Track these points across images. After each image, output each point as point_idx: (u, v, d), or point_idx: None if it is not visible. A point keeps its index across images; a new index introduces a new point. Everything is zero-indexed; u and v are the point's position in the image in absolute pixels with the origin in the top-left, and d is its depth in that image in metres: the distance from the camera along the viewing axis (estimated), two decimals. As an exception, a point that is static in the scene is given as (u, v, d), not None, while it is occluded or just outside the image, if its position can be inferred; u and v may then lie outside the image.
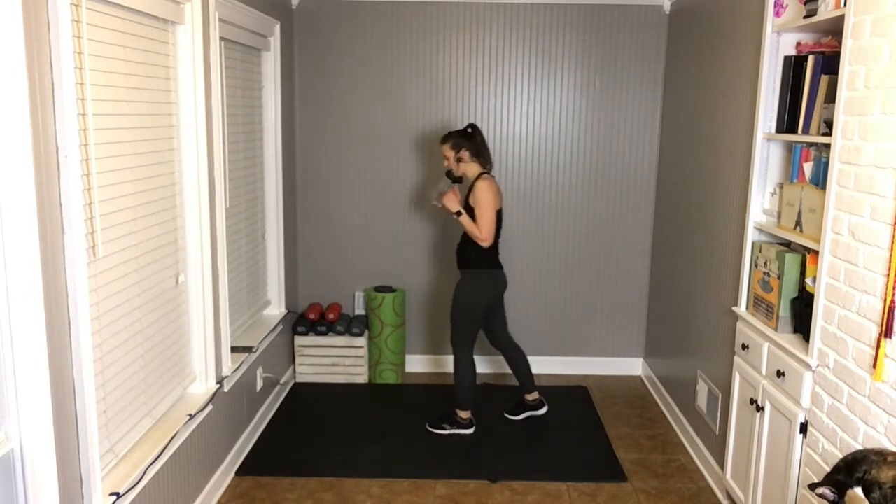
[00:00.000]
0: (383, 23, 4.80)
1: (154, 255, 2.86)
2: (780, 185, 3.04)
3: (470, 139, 4.02)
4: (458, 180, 4.11)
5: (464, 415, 4.21)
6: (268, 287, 4.54)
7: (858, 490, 1.88)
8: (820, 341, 2.57)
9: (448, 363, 5.16)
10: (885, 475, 1.82)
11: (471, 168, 4.03)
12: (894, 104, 2.17)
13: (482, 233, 3.92)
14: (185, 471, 3.08)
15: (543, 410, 4.41)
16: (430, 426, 4.23)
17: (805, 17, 2.72)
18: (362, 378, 4.93)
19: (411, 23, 4.80)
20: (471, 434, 4.20)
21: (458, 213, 3.95)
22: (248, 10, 3.78)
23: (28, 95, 1.90)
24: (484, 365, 5.17)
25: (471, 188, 4.00)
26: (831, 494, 1.91)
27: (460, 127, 4.58)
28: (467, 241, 4.06)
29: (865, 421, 2.28)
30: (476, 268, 4.07)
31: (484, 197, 3.91)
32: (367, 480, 3.66)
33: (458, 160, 4.02)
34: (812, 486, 1.96)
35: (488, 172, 4.05)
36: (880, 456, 1.88)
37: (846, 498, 1.91)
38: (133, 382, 2.71)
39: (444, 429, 4.21)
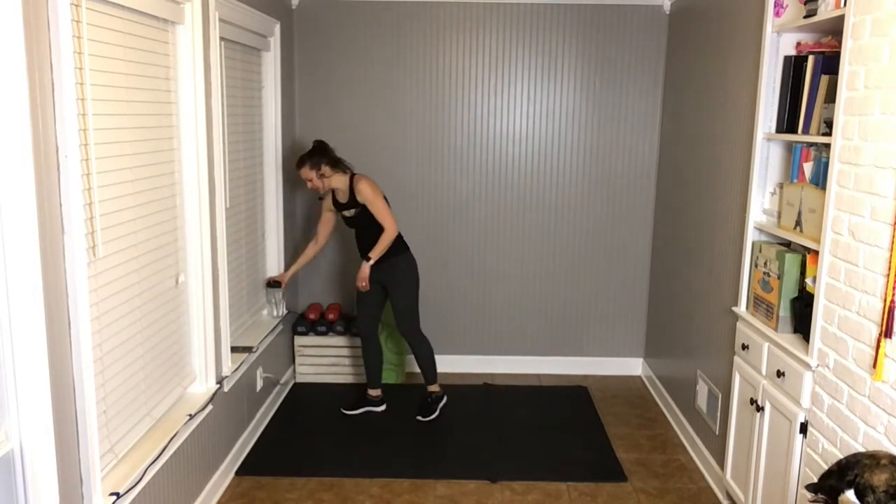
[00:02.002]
0: (383, 23, 4.80)
1: (154, 255, 2.86)
2: (780, 185, 3.04)
3: (324, 153, 4.09)
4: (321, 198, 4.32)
5: (436, 388, 4.41)
6: (268, 287, 4.54)
7: (850, 493, 1.88)
8: (820, 341, 2.57)
9: (447, 363, 5.15)
10: (878, 479, 1.81)
11: (336, 178, 4.11)
12: (894, 104, 2.17)
13: (387, 225, 4.07)
14: (185, 471, 3.08)
15: (381, 408, 4.50)
16: (423, 418, 4.31)
17: (805, 17, 2.72)
18: (362, 378, 4.93)
19: (411, 22, 4.80)
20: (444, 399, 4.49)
21: (368, 259, 4.12)
22: (248, 10, 3.78)
23: (28, 95, 1.90)
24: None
25: (352, 192, 4.10)
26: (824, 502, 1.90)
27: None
28: (374, 234, 4.13)
29: (865, 421, 2.28)
30: (398, 254, 4.21)
31: (371, 193, 4.05)
32: (367, 480, 3.66)
33: (321, 177, 4.07)
34: (808, 488, 1.96)
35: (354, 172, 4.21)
36: (873, 459, 1.87)
37: (839, 502, 1.91)
38: (133, 382, 2.71)
39: (436, 411, 4.35)
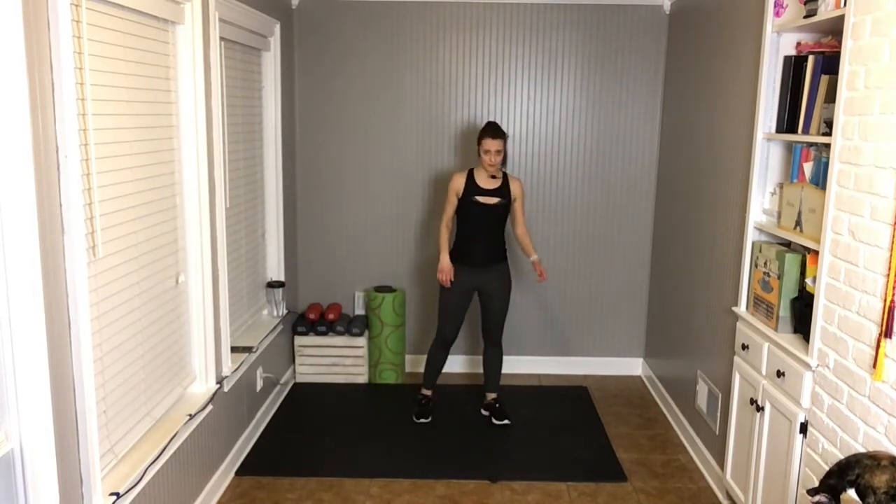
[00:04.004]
0: (383, 23, 4.80)
1: (154, 255, 2.86)
2: (780, 185, 3.04)
3: None
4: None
5: (495, 395, 4.44)
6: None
7: (852, 492, 1.88)
8: (820, 341, 2.57)
9: (448, 363, 5.15)
10: (879, 480, 1.82)
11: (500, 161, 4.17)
12: (894, 104, 2.17)
13: (525, 224, 4.35)
14: (185, 471, 3.08)
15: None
16: (500, 420, 4.30)
17: (805, 17, 2.72)
18: (362, 378, 4.93)
19: (411, 23, 4.80)
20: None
21: (539, 259, 4.31)
22: (248, 10, 3.78)
23: (28, 95, 1.90)
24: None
25: (506, 181, 4.18)
26: (826, 501, 1.91)
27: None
28: (503, 234, 4.22)
29: (865, 421, 2.28)
30: (505, 259, 4.30)
31: (524, 192, 4.33)
32: (367, 480, 3.66)
33: (500, 153, 4.07)
34: (809, 493, 1.97)
35: None
36: (874, 460, 1.87)
37: (841, 501, 1.91)
38: (133, 382, 2.71)
39: (506, 413, 4.38)
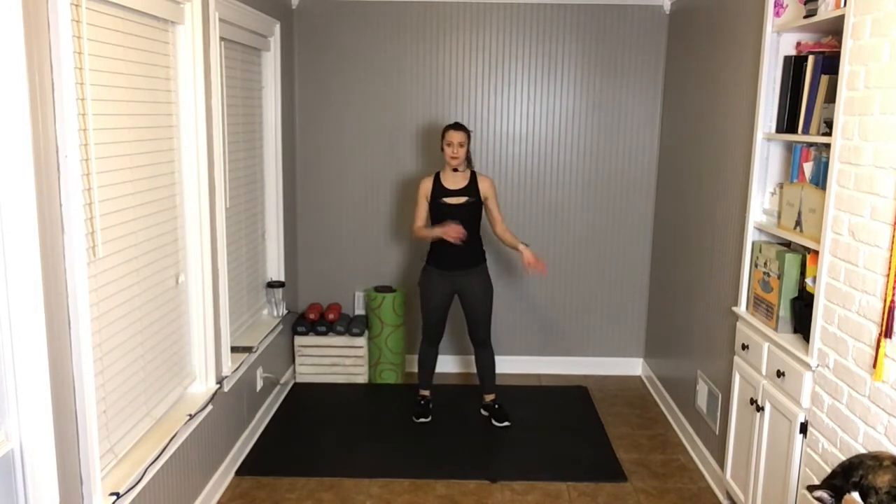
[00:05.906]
0: (383, 23, 4.80)
1: (154, 255, 2.86)
2: (780, 185, 3.04)
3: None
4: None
5: (493, 396, 4.42)
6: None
7: (855, 495, 1.89)
8: (820, 341, 2.57)
9: (448, 363, 5.15)
10: (881, 480, 1.83)
11: (464, 160, 4.13)
12: (894, 104, 2.17)
13: (501, 220, 4.22)
14: (185, 471, 3.08)
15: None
16: (500, 422, 4.28)
17: (805, 17, 2.72)
18: (362, 378, 4.93)
19: (411, 22, 4.80)
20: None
21: (527, 245, 4.17)
22: (248, 10, 3.78)
23: (28, 95, 1.90)
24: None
25: (475, 180, 4.13)
26: (829, 498, 1.91)
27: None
28: (478, 235, 4.18)
29: (865, 421, 2.28)
30: (484, 261, 4.27)
31: (495, 190, 4.19)
32: (367, 480, 3.66)
33: (462, 147, 4.06)
34: (810, 489, 1.97)
35: None
36: (876, 461, 1.88)
37: (843, 502, 1.92)
38: (133, 382, 2.71)
39: (507, 413, 4.37)
